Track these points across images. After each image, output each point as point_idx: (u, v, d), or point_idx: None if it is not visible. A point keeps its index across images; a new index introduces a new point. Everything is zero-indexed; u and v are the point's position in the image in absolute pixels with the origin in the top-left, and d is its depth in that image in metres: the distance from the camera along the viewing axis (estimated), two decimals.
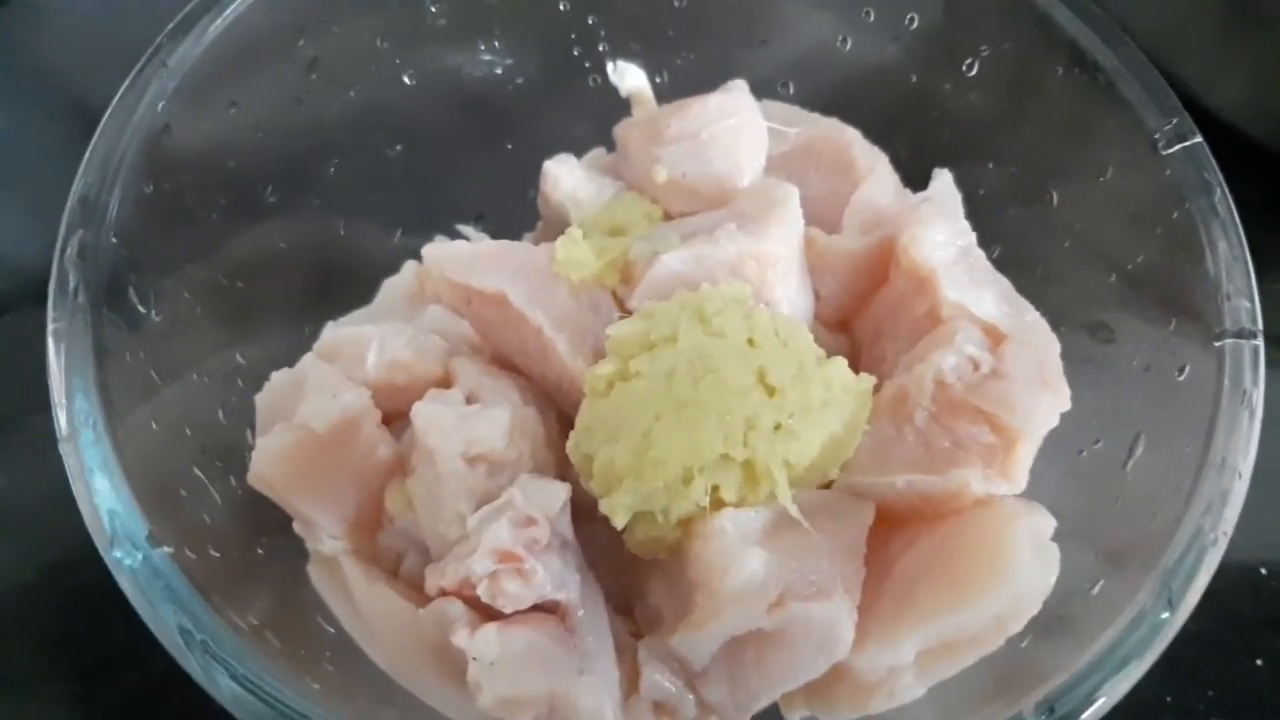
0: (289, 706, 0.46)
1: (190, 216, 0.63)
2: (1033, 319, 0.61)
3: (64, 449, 0.50)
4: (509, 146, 0.78)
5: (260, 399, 0.63)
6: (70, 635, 0.74)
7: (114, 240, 0.56)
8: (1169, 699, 0.76)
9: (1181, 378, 0.59)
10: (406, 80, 0.73)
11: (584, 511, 0.60)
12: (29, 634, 0.74)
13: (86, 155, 0.57)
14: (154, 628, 0.47)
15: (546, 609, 0.56)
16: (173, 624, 0.47)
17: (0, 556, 0.75)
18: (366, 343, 0.64)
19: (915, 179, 0.71)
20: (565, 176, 0.72)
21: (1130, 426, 0.61)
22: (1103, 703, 0.48)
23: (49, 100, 0.91)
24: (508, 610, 0.54)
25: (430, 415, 0.59)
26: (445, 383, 0.64)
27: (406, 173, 0.75)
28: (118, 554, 0.48)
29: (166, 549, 0.50)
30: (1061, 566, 0.55)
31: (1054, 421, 0.58)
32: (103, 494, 0.49)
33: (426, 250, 0.64)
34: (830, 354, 0.60)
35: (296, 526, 0.61)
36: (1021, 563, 0.54)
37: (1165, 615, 0.50)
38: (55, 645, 0.74)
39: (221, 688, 0.46)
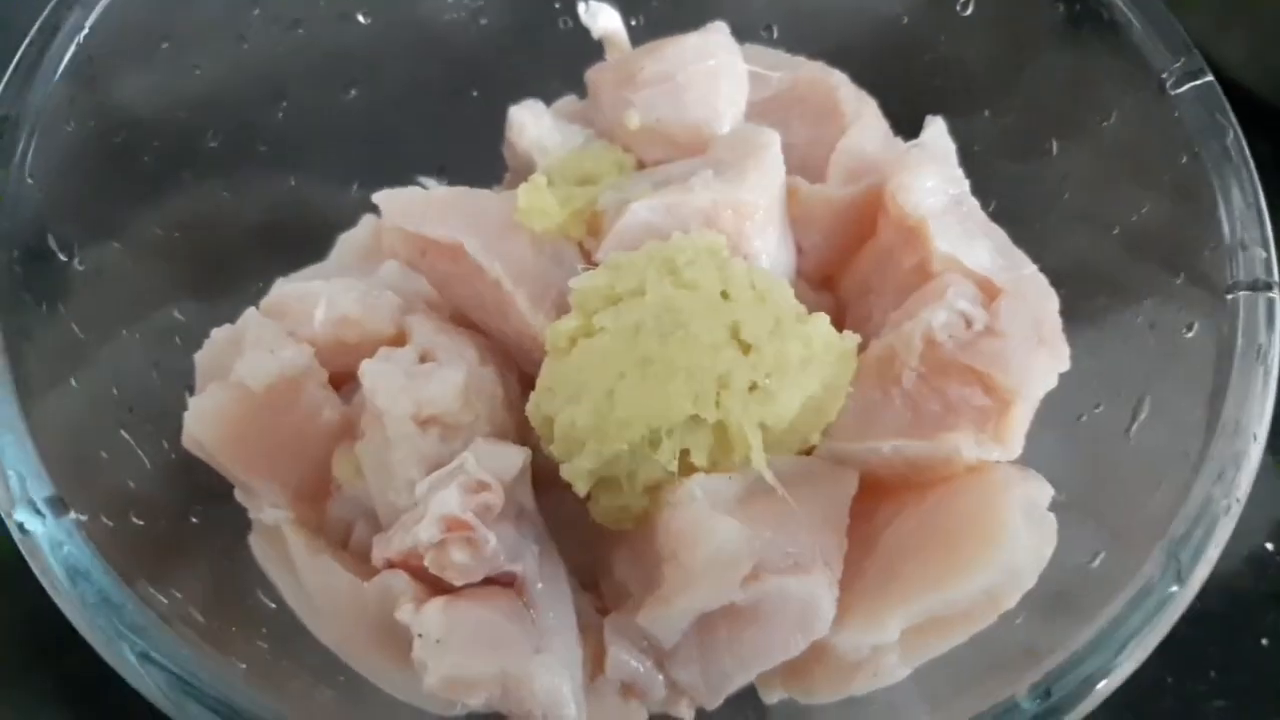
0: (199, 686, 0.41)
1: (120, 160, 0.58)
2: (1030, 272, 0.57)
3: None
4: (474, 93, 0.74)
5: (200, 357, 0.58)
6: (10, 615, 0.70)
7: (30, 181, 0.51)
8: (1169, 679, 0.73)
9: (1189, 335, 0.55)
10: (361, 19, 0.68)
11: (546, 478, 0.56)
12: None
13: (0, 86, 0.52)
14: (59, 601, 0.43)
15: (500, 582, 0.52)
16: (81, 598, 0.43)
17: None
18: (314, 298, 0.60)
19: (906, 128, 0.66)
20: (532, 123, 0.67)
21: (1134, 388, 0.57)
22: (1104, 685, 0.44)
23: None
24: (457, 583, 0.50)
25: (379, 374, 0.55)
26: (399, 341, 0.60)
27: (363, 120, 0.70)
28: (19, 518, 0.44)
29: (78, 515, 0.45)
30: (1059, 538, 0.51)
31: (1052, 383, 0.55)
32: (5, 453, 0.45)
33: (379, 197, 0.59)
34: (812, 311, 0.56)
35: (238, 494, 0.57)
36: (1015, 533, 0.51)
37: (1174, 589, 0.46)
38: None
39: (134, 669, 0.42)
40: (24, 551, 0.44)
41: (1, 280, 0.49)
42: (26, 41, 0.54)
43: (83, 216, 0.55)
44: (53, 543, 0.44)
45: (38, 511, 0.44)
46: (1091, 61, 0.62)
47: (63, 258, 0.53)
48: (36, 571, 0.44)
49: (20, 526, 0.44)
